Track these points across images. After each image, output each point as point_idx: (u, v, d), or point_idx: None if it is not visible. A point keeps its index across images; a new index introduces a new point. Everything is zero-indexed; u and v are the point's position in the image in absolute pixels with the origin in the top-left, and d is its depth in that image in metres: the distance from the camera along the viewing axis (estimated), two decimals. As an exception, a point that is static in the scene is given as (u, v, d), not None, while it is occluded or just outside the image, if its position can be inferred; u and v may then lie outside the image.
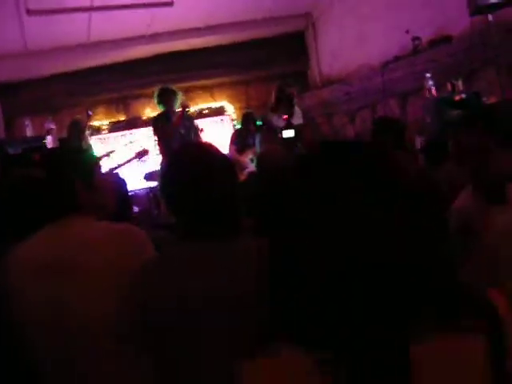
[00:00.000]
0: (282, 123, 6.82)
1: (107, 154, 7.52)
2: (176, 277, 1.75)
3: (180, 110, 6.53)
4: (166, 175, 1.91)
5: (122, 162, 7.28)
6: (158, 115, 6.84)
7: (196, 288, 1.69)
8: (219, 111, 10.52)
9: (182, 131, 6.54)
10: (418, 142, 5.82)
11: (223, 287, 1.69)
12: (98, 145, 9.36)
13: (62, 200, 2.13)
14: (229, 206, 1.84)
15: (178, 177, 1.85)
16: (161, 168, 6.74)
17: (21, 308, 1.99)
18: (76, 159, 2.26)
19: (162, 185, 1.95)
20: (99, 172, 2.35)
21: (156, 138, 6.76)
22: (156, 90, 6.65)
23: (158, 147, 6.84)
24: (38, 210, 2.23)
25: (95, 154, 6.84)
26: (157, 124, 6.67)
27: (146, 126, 9.62)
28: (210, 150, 1.97)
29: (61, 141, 7.21)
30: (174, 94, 6.53)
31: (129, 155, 7.28)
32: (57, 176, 2.18)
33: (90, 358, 1.93)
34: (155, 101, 6.64)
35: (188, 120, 6.79)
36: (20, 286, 1.99)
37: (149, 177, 7.65)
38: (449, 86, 5.62)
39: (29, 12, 6.41)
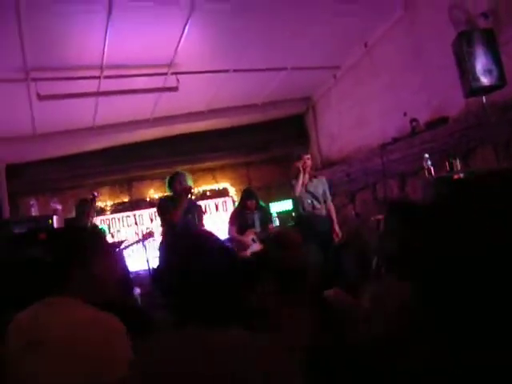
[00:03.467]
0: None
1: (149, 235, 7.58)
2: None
3: (187, 195, 6.59)
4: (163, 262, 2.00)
5: (128, 244, 7.33)
6: (166, 198, 6.95)
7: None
8: (221, 193, 10.67)
9: (189, 216, 6.62)
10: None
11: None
12: (101, 225, 9.46)
13: (53, 281, 2.21)
14: (221, 292, 1.86)
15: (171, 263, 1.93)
16: (159, 249, 6.82)
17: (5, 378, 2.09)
18: (75, 244, 2.31)
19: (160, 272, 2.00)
20: (104, 259, 2.37)
21: (161, 220, 6.81)
22: (167, 176, 6.87)
23: (161, 228, 6.90)
24: (34, 287, 2.32)
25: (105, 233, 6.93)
26: (163, 207, 6.73)
27: (150, 207, 9.77)
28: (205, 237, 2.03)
29: (67, 221, 7.27)
30: (182, 177, 6.70)
31: (135, 237, 7.36)
32: (53, 258, 2.28)
33: None
34: (166, 186, 6.82)
35: (194, 206, 6.89)
36: (10, 357, 2.11)
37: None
38: (447, 166, 5.72)
39: (39, 97, 6.58)
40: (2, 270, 3.50)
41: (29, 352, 2.03)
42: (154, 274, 6.76)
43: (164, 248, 6.27)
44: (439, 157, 5.98)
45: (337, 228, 7.22)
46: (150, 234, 7.48)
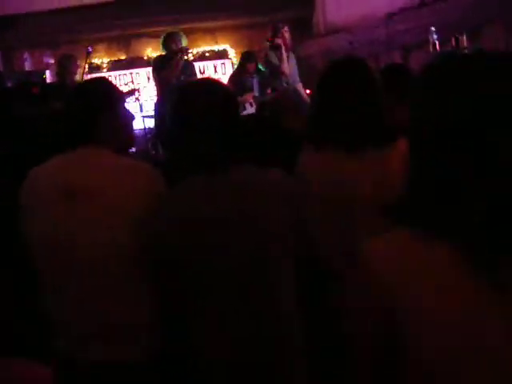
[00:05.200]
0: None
1: (132, 92, 7.53)
2: (186, 204, 1.85)
3: (180, 55, 6.49)
4: (174, 111, 1.96)
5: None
6: (159, 58, 6.85)
7: (204, 213, 1.81)
8: (221, 54, 10.44)
9: (182, 77, 6.52)
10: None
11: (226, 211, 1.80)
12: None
13: (83, 129, 2.12)
14: (232, 136, 1.91)
15: (184, 111, 1.91)
16: (154, 107, 6.81)
17: (33, 228, 2.05)
18: (104, 91, 2.25)
19: (171, 121, 1.98)
20: (124, 107, 2.35)
21: (155, 80, 6.79)
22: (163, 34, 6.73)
23: (156, 88, 6.86)
24: (58, 137, 2.25)
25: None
26: (156, 66, 6.66)
27: (147, 65, 9.57)
28: (212, 83, 2.07)
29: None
30: (177, 37, 6.56)
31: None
32: (82, 106, 2.17)
33: (95, 282, 1.98)
34: (161, 45, 6.68)
35: (188, 67, 6.76)
36: (35, 206, 2.05)
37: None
38: (453, 41, 5.57)
39: None
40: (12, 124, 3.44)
41: (70, 201, 1.97)
42: (157, 129, 6.77)
43: (163, 104, 6.23)
44: (446, 31, 5.81)
45: None
46: (132, 92, 7.43)
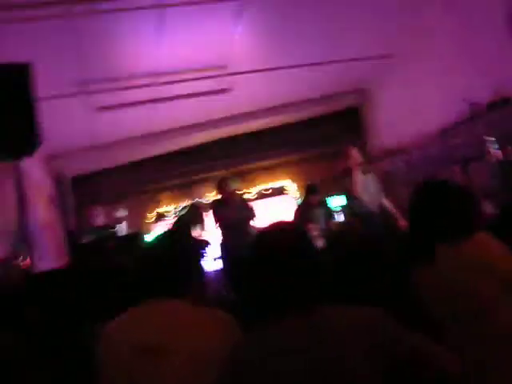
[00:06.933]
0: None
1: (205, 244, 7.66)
2: (265, 359, 1.72)
3: (234, 195, 7.00)
4: (253, 256, 1.93)
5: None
6: (215, 201, 7.16)
7: (285, 369, 1.66)
8: (281, 190, 10.63)
9: (238, 216, 6.80)
10: (487, 207, 5.69)
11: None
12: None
13: (160, 282, 2.14)
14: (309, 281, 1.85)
15: (262, 257, 1.88)
16: (220, 248, 6.86)
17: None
18: (183, 244, 2.29)
19: (251, 264, 1.95)
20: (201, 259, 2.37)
21: (215, 220, 7.00)
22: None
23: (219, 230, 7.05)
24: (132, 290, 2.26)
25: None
26: (213, 209, 7.03)
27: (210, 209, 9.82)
28: (286, 228, 2.00)
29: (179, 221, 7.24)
30: (227, 181, 7.04)
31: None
32: (159, 260, 2.19)
33: None
34: (215, 189, 7.21)
35: (242, 205, 7.09)
36: (110, 363, 1.99)
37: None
38: (510, 149, 5.56)
39: (98, 109, 6.72)
40: (87, 279, 3.50)
41: (145, 358, 1.92)
42: (226, 270, 6.77)
43: (227, 244, 6.23)
44: (501, 141, 5.81)
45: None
46: (206, 244, 7.51)
